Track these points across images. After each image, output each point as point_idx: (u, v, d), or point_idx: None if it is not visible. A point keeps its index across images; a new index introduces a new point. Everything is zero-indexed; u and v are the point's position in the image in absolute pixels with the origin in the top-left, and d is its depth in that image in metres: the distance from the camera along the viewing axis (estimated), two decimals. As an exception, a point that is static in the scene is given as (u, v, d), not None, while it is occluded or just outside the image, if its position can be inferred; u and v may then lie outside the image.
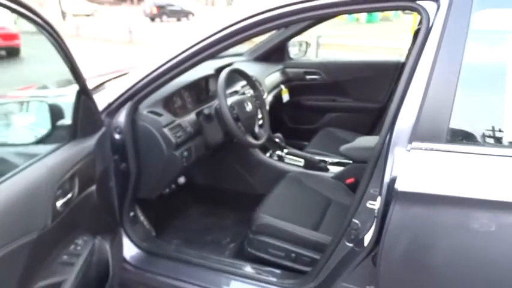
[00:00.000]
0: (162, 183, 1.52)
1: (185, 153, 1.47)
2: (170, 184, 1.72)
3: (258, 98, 1.84)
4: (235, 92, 1.89)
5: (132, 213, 1.48)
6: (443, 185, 1.01)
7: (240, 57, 2.45)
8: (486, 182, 1.00)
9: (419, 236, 1.07)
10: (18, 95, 1.77)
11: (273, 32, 2.48)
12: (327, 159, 1.98)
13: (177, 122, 1.48)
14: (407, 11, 1.26)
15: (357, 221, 1.15)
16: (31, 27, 0.95)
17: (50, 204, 0.99)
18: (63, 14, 15.53)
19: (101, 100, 1.31)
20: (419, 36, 1.07)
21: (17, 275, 0.91)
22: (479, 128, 1.05)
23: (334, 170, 1.90)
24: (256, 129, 1.77)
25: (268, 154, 2.01)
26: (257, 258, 1.41)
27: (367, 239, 1.11)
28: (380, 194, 1.06)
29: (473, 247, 1.03)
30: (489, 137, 1.03)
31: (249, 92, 1.90)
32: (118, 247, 1.40)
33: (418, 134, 1.02)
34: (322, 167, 1.93)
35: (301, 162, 1.97)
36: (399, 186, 1.02)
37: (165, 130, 1.41)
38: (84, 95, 1.14)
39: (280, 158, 2.02)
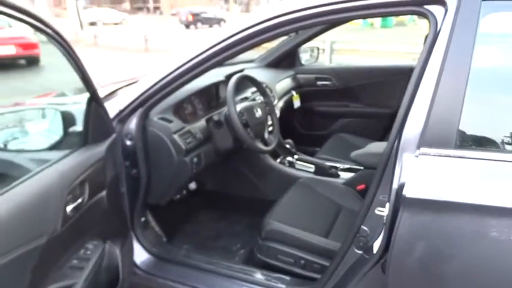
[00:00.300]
0: (172, 189, 1.53)
1: (195, 160, 1.49)
2: (181, 190, 1.74)
3: (267, 104, 1.84)
4: (246, 98, 1.90)
5: (143, 219, 1.50)
6: (453, 192, 1.00)
7: (251, 63, 2.46)
8: (496, 188, 0.98)
9: (429, 244, 1.05)
10: (35, 103, 1.82)
11: (284, 38, 2.50)
12: (338, 165, 1.97)
13: (187, 129, 1.50)
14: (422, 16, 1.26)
15: (365, 228, 1.14)
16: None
17: (61, 209, 1.01)
18: (81, 24, 15.90)
19: (113, 107, 1.34)
20: (427, 41, 1.06)
21: (27, 278, 0.93)
22: (489, 133, 1.04)
23: (345, 176, 1.88)
24: (266, 135, 1.78)
25: (278, 160, 2.01)
26: (267, 265, 1.40)
27: (376, 246, 1.09)
28: (388, 201, 1.04)
29: (484, 256, 1.00)
30: (499, 142, 1.02)
31: (259, 98, 1.91)
32: (128, 252, 1.42)
33: (426, 140, 1.01)
34: (332, 173, 1.91)
35: (312, 168, 1.96)
36: (407, 192, 1.01)
37: (175, 136, 1.43)
38: (95, 102, 1.16)
39: (291, 164, 2.01)
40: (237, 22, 1.31)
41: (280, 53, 2.47)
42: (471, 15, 0.99)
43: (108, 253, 1.27)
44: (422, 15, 1.10)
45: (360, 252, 1.15)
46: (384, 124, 2.38)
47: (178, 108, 1.56)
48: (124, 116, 1.36)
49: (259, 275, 1.37)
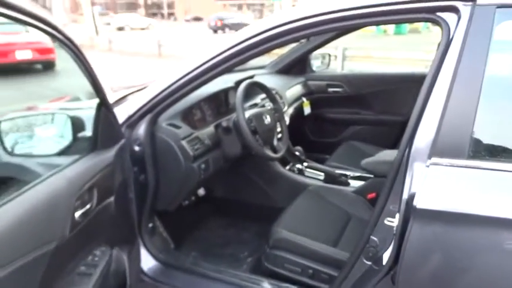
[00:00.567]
0: (180, 195, 1.53)
1: (203, 166, 1.48)
2: (189, 196, 1.73)
3: (277, 111, 1.83)
4: (255, 105, 1.89)
5: (150, 225, 1.49)
6: (465, 203, 0.97)
7: (261, 69, 2.46)
8: (507, 200, 0.95)
9: (440, 256, 1.03)
10: (47, 107, 1.84)
11: (295, 44, 2.49)
12: (348, 173, 1.95)
13: (195, 135, 1.50)
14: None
15: (375, 238, 1.12)
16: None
17: (69, 215, 1.02)
18: (97, 29, 16.17)
19: (122, 112, 1.35)
20: (440, 48, 1.04)
21: (36, 284, 0.93)
22: (503, 143, 1.01)
23: (356, 184, 1.85)
24: (275, 142, 1.76)
25: (288, 167, 1.99)
26: (274, 274, 1.39)
27: (386, 257, 1.07)
28: (398, 211, 1.02)
29: (497, 269, 0.97)
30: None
31: (269, 104, 1.90)
32: (135, 258, 1.41)
33: (438, 149, 0.99)
34: (342, 181, 1.89)
35: (322, 175, 1.94)
36: (418, 203, 0.98)
37: (183, 142, 1.42)
38: (104, 108, 1.16)
39: (300, 171, 1.99)
40: (247, 28, 1.31)
41: (291, 60, 2.46)
42: (485, 23, 0.97)
43: (116, 259, 1.27)
44: (435, 22, 1.08)
45: (369, 263, 1.12)
46: (396, 132, 2.34)
47: (187, 115, 1.56)
48: (133, 121, 1.36)
49: (266, 285, 1.35)
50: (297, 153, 2.06)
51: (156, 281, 1.43)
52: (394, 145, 2.29)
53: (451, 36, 1.02)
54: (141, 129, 1.35)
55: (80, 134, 1.21)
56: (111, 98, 1.23)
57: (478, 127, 0.98)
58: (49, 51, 8.24)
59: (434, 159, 0.98)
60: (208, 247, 1.77)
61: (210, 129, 1.61)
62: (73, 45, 1.01)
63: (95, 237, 1.19)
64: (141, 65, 10.11)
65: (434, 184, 0.99)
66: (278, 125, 1.82)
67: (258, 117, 1.65)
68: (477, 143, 0.99)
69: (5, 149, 1.15)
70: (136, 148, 1.35)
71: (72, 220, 1.02)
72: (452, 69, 1.00)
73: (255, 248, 1.74)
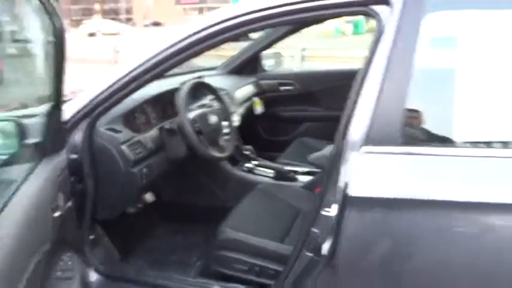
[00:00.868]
0: (121, 202, 1.48)
1: (145, 170, 1.44)
2: (133, 203, 1.67)
3: (223, 111, 1.82)
4: (203, 106, 1.87)
5: (92, 236, 1.43)
6: (399, 188, 1.00)
7: (212, 71, 2.44)
8: (441, 182, 0.99)
9: (376, 242, 1.05)
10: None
11: (246, 44, 2.50)
12: (298, 169, 1.96)
13: (136, 139, 1.46)
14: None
15: (316, 230, 1.13)
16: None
17: (50, 218, 1.04)
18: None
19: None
20: (373, 41, 1.07)
21: None
22: (432, 130, 1.05)
23: (306, 179, 1.87)
24: (222, 142, 1.75)
25: (237, 166, 1.99)
26: (223, 275, 1.37)
27: (326, 247, 1.08)
28: (335, 201, 1.04)
29: (434, 251, 1.01)
30: (442, 138, 1.03)
31: (218, 105, 1.89)
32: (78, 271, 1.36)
33: (371, 138, 1.01)
34: (292, 177, 1.91)
35: (272, 173, 1.95)
36: (352, 191, 1.00)
37: (123, 147, 1.38)
38: (57, 111, 1.14)
39: (250, 170, 1.99)
40: (191, 24, 1.28)
41: (242, 60, 2.46)
42: (416, 14, 1.00)
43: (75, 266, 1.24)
44: (369, 15, 1.10)
45: (311, 254, 1.13)
46: (345, 127, 2.39)
47: (128, 118, 1.52)
48: (68, 128, 1.30)
49: (215, 287, 1.34)
50: (247, 152, 2.06)
51: None
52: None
53: (383, 28, 1.04)
54: (77, 135, 1.30)
55: (29, 141, 1.14)
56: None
57: (409, 115, 1.02)
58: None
59: (367, 148, 1.01)
60: (156, 255, 1.72)
61: (154, 132, 1.57)
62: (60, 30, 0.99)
63: (62, 243, 1.18)
64: (93, 71, 9.79)
65: (368, 172, 1.01)
66: (225, 124, 1.81)
67: (203, 117, 1.63)
68: (408, 130, 1.03)
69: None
70: (73, 156, 1.29)
71: (52, 224, 1.06)
72: (384, 60, 1.03)
73: (204, 251, 1.72)
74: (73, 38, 19.25)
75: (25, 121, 1.19)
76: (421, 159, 1.00)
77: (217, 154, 1.65)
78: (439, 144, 1.02)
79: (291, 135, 2.53)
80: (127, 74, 1.28)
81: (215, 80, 1.98)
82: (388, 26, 1.04)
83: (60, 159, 1.19)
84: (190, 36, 1.22)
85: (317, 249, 1.13)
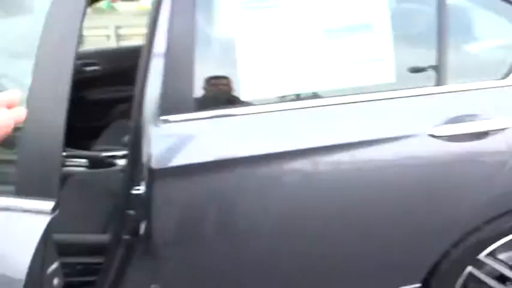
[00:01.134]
0: None
1: None
2: None
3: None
4: None
5: None
6: (200, 153, 1.03)
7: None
8: (235, 141, 1.06)
9: (187, 210, 1.07)
10: None
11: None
12: (116, 153, 1.85)
13: None
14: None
15: (131, 212, 1.08)
16: None
17: None
18: None
19: None
20: (151, 11, 1.04)
21: None
22: (222, 93, 1.11)
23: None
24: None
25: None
26: None
27: (143, 227, 1.05)
28: (142, 178, 1.01)
29: (246, 207, 1.08)
30: (229, 99, 1.09)
31: None
32: None
33: (165, 108, 1.01)
34: (109, 162, 1.79)
35: (85, 162, 1.79)
36: (156, 164, 0.99)
37: None
38: None
39: (59, 164, 1.78)
40: None
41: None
42: None
43: None
44: None
45: (129, 237, 1.09)
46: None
47: None
48: None
49: None
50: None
51: None
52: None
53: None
54: None
55: None
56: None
57: (198, 82, 1.04)
58: None
59: (163, 118, 1.00)
60: None
61: None
62: None
63: None
64: None
65: (167, 142, 1.01)
66: None
67: None
68: (199, 96, 1.06)
69: None
70: None
71: None
72: (166, 32, 1.01)
73: None
74: None
75: None
76: (216, 122, 1.05)
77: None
78: (230, 106, 1.08)
79: (107, 120, 2.36)
80: None
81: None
82: None
83: None
84: None
85: (135, 231, 1.09)
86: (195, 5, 1.03)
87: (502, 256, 1.36)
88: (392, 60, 1.12)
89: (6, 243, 0.84)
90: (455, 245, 1.24)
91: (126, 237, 1.08)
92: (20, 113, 0.47)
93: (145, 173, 0.99)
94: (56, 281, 0.93)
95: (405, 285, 1.27)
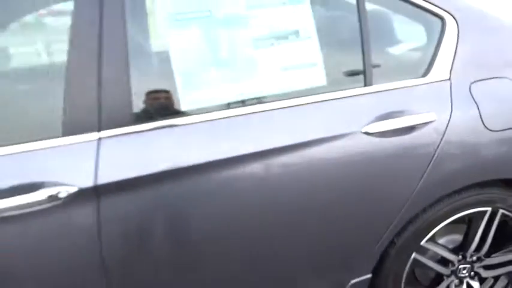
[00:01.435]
0: None
1: None
2: None
3: None
4: None
5: None
6: (137, 165, 1.02)
7: None
8: (173, 151, 1.06)
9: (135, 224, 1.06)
10: None
11: None
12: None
13: None
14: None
15: None
16: None
17: None
18: None
19: None
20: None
21: None
22: (158, 105, 1.10)
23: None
24: None
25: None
26: None
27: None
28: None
29: (193, 215, 1.08)
30: (168, 110, 1.09)
31: None
32: None
33: (103, 123, 1.00)
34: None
35: None
36: (100, 180, 0.98)
37: None
38: None
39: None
40: None
41: None
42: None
43: None
44: None
45: None
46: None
47: None
48: None
49: None
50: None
51: None
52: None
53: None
54: None
55: None
56: None
57: (136, 94, 1.04)
58: None
59: (102, 133, 0.99)
60: None
61: None
62: None
63: None
64: None
65: (108, 157, 1.00)
66: None
67: None
68: (138, 110, 1.05)
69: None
70: None
71: None
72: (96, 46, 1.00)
73: None
74: None
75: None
76: (153, 134, 1.04)
77: None
78: (168, 117, 1.07)
79: None
80: None
81: None
82: None
83: None
84: None
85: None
86: (125, 18, 1.03)
87: (441, 240, 1.46)
88: (322, 65, 1.17)
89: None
90: (398, 234, 1.31)
91: None
92: None
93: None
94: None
95: (357, 277, 1.32)
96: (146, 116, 1.06)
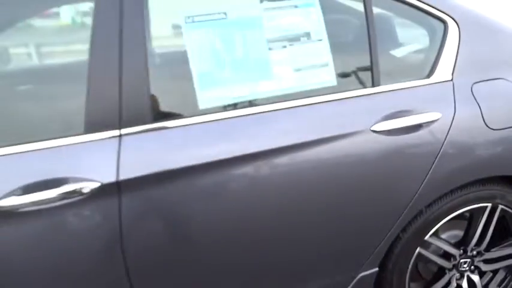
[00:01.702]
0: None
1: None
2: None
3: None
4: None
5: None
6: (160, 161, 1.06)
7: None
8: (191, 149, 1.09)
9: (157, 218, 1.08)
10: None
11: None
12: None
13: None
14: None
15: None
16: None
17: None
18: None
19: None
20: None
21: None
22: (177, 104, 1.14)
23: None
24: None
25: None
26: None
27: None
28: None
29: (208, 210, 1.11)
30: (186, 109, 1.13)
31: None
32: None
33: (124, 120, 1.03)
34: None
35: None
36: (121, 175, 1.01)
37: None
38: None
39: None
40: None
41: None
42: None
43: None
44: None
45: None
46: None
47: None
48: None
49: None
50: None
51: None
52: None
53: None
54: None
55: None
56: None
57: (155, 93, 1.07)
58: None
59: (123, 131, 1.02)
60: None
61: None
62: None
63: None
64: None
65: (129, 153, 1.03)
66: None
67: None
68: (156, 107, 1.08)
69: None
70: None
71: None
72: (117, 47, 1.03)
73: None
74: None
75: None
76: (172, 132, 1.08)
77: None
78: (184, 116, 1.11)
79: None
80: None
81: None
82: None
83: None
84: None
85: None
86: (144, 19, 1.07)
87: (444, 235, 1.52)
88: (332, 66, 1.22)
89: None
90: (404, 229, 1.36)
91: None
92: None
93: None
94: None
95: (365, 271, 1.37)
96: (164, 114, 1.09)
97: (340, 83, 1.23)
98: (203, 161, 1.07)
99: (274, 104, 1.17)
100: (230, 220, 1.13)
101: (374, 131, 1.21)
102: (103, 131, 1.02)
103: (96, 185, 0.99)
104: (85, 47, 1.03)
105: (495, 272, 1.62)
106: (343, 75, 1.25)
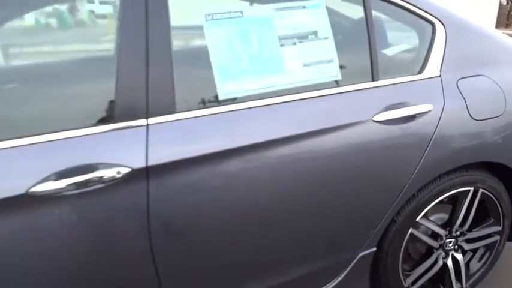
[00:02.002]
0: None
1: None
2: None
3: None
4: None
5: None
6: (186, 150, 1.13)
7: None
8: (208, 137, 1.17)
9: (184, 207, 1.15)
10: None
11: None
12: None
13: None
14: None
15: None
16: None
17: None
18: None
19: None
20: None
21: None
22: (198, 95, 1.21)
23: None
24: None
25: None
26: None
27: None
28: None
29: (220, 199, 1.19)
30: (207, 100, 1.21)
31: None
32: None
33: (151, 110, 1.09)
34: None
35: None
36: (150, 161, 1.07)
37: None
38: None
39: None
40: None
41: None
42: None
43: None
44: None
45: None
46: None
47: None
48: None
49: None
50: None
51: None
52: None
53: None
54: None
55: None
56: None
57: (178, 85, 1.14)
58: None
59: (151, 120, 1.08)
60: None
61: None
62: None
63: None
64: None
65: (156, 141, 1.10)
66: None
67: None
68: (180, 99, 1.15)
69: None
70: None
71: None
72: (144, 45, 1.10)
73: None
74: None
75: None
76: (196, 122, 1.15)
77: None
78: (206, 105, 1.19)
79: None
80: None
81: None
82: None
83: None
84: None
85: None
86: (168, 16, 1.14)
87: (432, 217, 1.66)
88: (337, 62, 1.33)
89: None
90: (399, 212, 1.49)
91: None
92: None
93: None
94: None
95: (365, 250, 1.49)
96: (186, 105, 1.17)
97: (344, 77, 1.34)
98: (223, 148, 1.16)
99: (286, 96, 1.27)
100: (257, 205, 1.22)
101: (375, 121, 1.33)
102: (131, 120, 1.08)
103: (127, 170, 1.05)
104: (111, 45, 1.09)
105: (475, 250, 1.80)
106: (346, 70, 1.36)
